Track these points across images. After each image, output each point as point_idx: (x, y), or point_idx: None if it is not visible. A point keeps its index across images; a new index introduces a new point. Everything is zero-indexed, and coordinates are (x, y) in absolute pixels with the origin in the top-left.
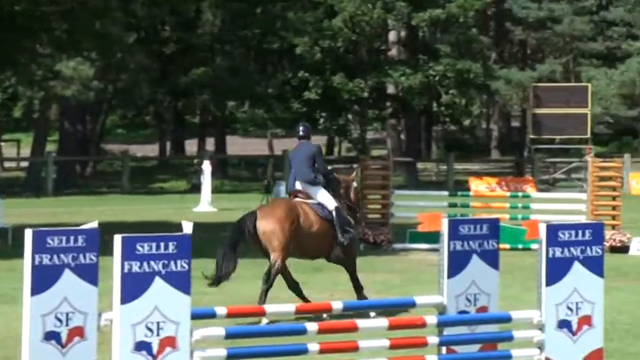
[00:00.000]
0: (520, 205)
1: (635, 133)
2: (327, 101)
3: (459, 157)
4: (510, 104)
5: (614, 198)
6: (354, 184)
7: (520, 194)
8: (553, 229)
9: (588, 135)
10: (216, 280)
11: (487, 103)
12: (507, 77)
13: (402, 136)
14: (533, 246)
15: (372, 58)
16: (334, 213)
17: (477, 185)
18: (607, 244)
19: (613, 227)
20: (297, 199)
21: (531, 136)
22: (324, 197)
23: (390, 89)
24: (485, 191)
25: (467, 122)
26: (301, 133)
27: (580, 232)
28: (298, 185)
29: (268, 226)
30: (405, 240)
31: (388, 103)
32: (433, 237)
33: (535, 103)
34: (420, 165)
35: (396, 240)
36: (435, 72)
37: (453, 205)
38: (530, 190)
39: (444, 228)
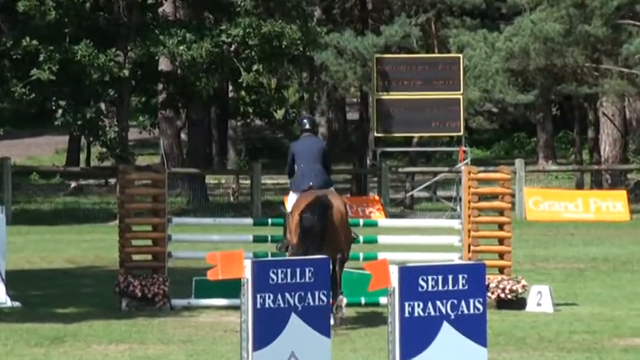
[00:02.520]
0: (362, 237)
1: (530, 128)
2: (67, 83)
3: (268, 166)
4: (344, 86)
5: (501, 226)
6: None
7: (361, 222)
8: (410, 274)
9: (461, 132)
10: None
11: (310, 85)
12: (339, 45)
13: (183, 135)
14: (382, 299)
15: (136, 17)
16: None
17: None
18: (492, 296)
19: (500, 270)
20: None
21: (376, 134)
22: (334, 196)
23: (164, 64)
24: None
25: (279, 114)
26: (307, 126)
27: (451, 277)
28: (306, 184)
29: (339, 219)
30: (190, 293)
31: (161, 86)
32: (231, 288)
33: (381, 83)
34: (210, 179)
35: (175, 293)
36: (231, 38)
37: (260, 240)
38: (377, 215)
39: (248, 274)
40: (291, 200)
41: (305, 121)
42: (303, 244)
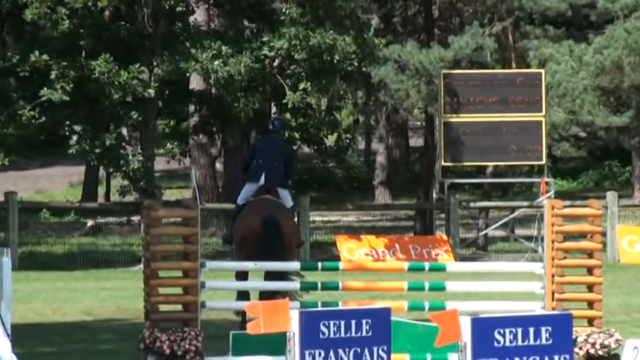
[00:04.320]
0: (427, 284)
1: (625, 155)
2: (83, 105)
3: (318, 201)
4: (407, 107)
5: (590, 270)
6: None
7: (427, 265)
8: (484, 327)
9: (544, 160)
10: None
11: (366, 106)
12: (401, 59)
13: (219, 165)
14: (452, 356)
15: (163, 27)
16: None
17: (349, 250)
18: (580, 352)
19: (590, 322)
20: (270, 197)
21: (444, 164)
22: (286, 197)
23: (196, 83)
24: (366, 260)
25: (331, 140)
26: (275, 124)
27: (532, 330)
28: (263, 181)
29: (290, 228)
30: (227, 350)
31: (192, 108)
32: (275, 343)
33: (449, 104)
34: None
35: (209, 350)
36: (274, 51)
37: (309, 287)
38: (445, 257)
39: (294, 326)
40: (244, 192)
41: (276, 122)
42: (244, 257)
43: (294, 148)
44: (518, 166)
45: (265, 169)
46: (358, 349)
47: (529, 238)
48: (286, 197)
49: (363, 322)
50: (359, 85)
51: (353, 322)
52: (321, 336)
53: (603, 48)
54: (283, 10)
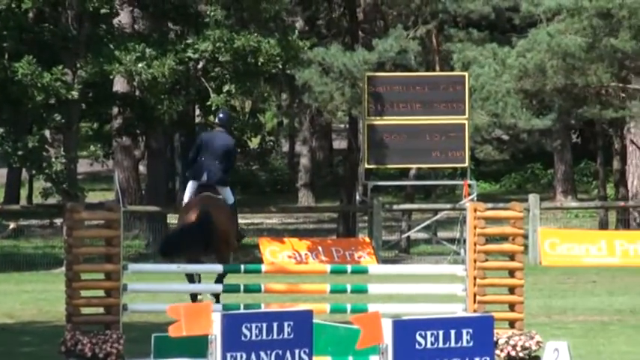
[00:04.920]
0: (349, 286)
1: (547, 158)
2: (5, 107)
3: (241, 203)
4: (331, 109)
5: (511, 273)
6: None
7: (349, 268)
8: (406, 329)
9: (466, 163)
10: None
11: (290, 108)
12: (325, 62)
13: (142, 168)
14: (373, 358)
15: (87, 29)
16: (234, 211)
17: (272, 253)
18: (501, 354)
19: (511, 324)
20: (210, 194)
21: (367, 166)
22: (227, 193)
23: (120, 85)
24: (289, 263)
25: (254, 142)
26: (221, 117)
27: (453, 332)
28: (204, 178)
29: (225, 222)
30: (149, 352)
31: (116, 110)
32: (197, 346)
33: (373, 107)
34: (174, 218)
35: (131, 353)
36: (198, 54)
37: (232, 289)
38: (367, 260)
39: (216, 329)
40: (188, 190)
41: (221, 115)
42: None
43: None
44: (441, 169)
45: (207, 167)
46: (280, 352)
47: (451, 241)
48: (227, 194)
49: (285, 324)
50: (283, 88)
51: (275, 325)
52: (242, 338)
53: (526, 51)
54: (208, 13)
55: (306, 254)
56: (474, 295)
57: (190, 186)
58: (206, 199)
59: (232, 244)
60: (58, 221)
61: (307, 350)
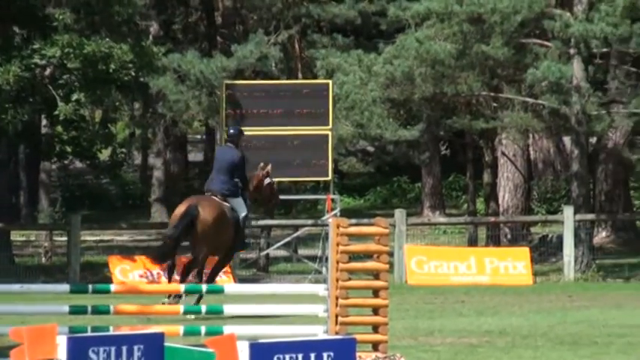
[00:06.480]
0: (204, 307)
1: (414, 171)
2: None
3: (90, 219)
4: (186, 119)
5: (376, 292)
6: (266, 180)
7: (204, 287)
8: (263, 352)
9: (329, 176)
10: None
11: (143, 118)
12: (181, 69)
13: None
14: None
15: None
16: (241, 221)
17: (122, 272)
18: None
19: (374, 346)
20: (215, 198)
21: None
22: (238, 204)
23: None
24: (140, 282)
25: (105, 154)
26: (231, 132)
27: (313, 355)
28: (211, 187)
29: (210, 218)
30: None
31: None
32: None
33: (231, 116)
34: (17, 235)
35: None
36: (46, 59)
37: (78, 311)
38: (223, 279)
39: (61, 353)
40: None
41: (231, 131)
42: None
43: (66, 163)
44: (303, 182)
45: (214, 178)
46: None
47: (313, 259)
48: (237, 204)
49: (135, 348)
50: (136, 96)
51: (124, 349)
52: None
53: (393, 58)
54: (56, 16)
55: (158, 273)
56: (336, 316)
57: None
58: (199, 197)
59: (209, 245)
60: None
61: None
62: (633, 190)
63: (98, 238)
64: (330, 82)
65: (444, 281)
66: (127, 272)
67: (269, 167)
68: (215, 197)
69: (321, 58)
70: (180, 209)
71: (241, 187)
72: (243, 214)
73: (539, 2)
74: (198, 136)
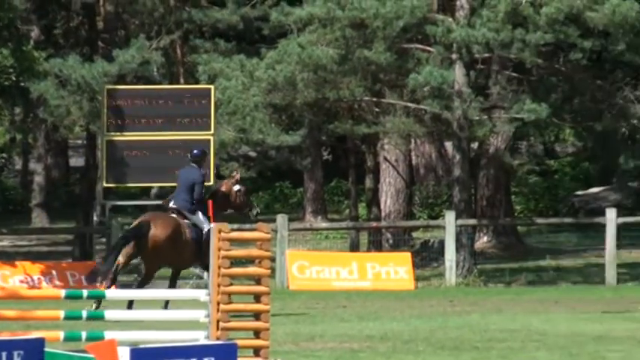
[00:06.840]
0: (85, 312)
1: (296, 176)
2: None
3: None
4: (67, 124)
5: (257, 298)
6: (235, 187)
7: (85, 293)
8: (144, 357)
9: (211, 181)
10: (97, 277)
11: (24, 123)
12: (62, 74)
13: None
14: None
15: None
16: (205, 235)
17: (2, 277)
18: None
19: (256, 352)
20: (174, 215)
21: (106, 185)
22: (199, 220)
23: None
24: (21, 287)
25: None
26: (194, 153)
27: None
28: (171, 204)
29: (161, 234)
30: None
31: None
32: None
33: (113, 121)
34: None
35: None
36: None
37: None
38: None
39: None
40: None
41: (195, 152)
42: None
43: None
44: None
45: (175, 196)
46: None
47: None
48: (197, 219)
49: (15, 353)
50: (16, 101)
51: (4, 355)
52: None
53: (276, 63)
54: None
55: (39, 278)
56: (217, 322)
57: None
58: (154, 213)
59: (160, 257)
60: None
61: None
62: (514, 195)
63: None
64: (212, 87)
65: (326, 286)
66: (7, 277)
67: (238, 175)
68: (174, 214)
69: (203, 63)
70: (133, 224)
71: (198, 202)
72: (206, 228)
73: (422, 7)
74: (80, 141)
